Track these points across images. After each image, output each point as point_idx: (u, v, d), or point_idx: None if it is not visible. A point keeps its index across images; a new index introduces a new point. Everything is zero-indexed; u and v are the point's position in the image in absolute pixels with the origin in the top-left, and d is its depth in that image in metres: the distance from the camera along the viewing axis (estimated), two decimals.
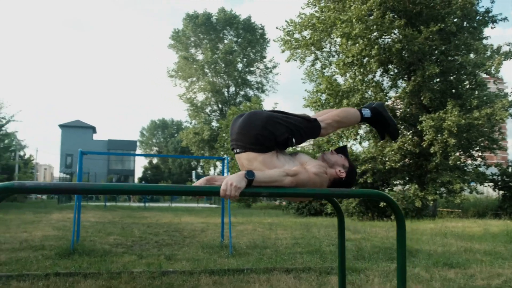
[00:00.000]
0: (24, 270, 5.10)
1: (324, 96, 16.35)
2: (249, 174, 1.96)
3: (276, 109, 2.57)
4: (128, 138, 58.32)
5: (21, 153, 36.39)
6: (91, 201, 34.49)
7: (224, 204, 8.55)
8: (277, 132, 2.30)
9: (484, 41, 14.99)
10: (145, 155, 43.44)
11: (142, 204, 29.37)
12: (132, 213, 18.52)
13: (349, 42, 14.69)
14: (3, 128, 22.98)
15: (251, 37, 45.56)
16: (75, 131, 50.15)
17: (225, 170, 7.65)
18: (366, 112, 2.68)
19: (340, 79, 16.82)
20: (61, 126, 50.76)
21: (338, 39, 16.56)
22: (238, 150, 2.39)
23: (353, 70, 15.53)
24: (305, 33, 17.36)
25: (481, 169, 16.33)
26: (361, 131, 16.63)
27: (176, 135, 68.45)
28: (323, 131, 2.49)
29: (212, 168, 43.85)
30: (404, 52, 14.64)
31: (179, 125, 71.17)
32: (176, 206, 29.78)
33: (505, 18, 15.04)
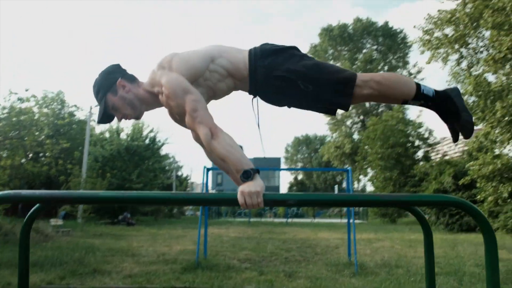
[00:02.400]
0: (146, 283, 5.33)
1: (472, 99, 14.60)
2: (246, 175, 1.71)
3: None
4: (273, 156, 60.09)
5: (179, 173, 39.91)
6: (239, 217, 36.13)
7: (353, 219, 8.01)
8: (280, 65, 1.99)
9: None
10: (288, 169, 44.39)
11: (284, 220, 29.75)
12: (273, 228, 18.78)
13: (501, 33, 12.92)
14: (159, 150, 25.47)
15: (391, 43, 43.67)
16: None
17: (349, 182, 7.16)
18: (428, 89, 2.04)
19: (491, 77, 14.90)
20: None
21: (487, 33, 14.73)
22: None
23: (508, 66, 13.58)
24: (447, 30, 15.82)
25: None
26: None
27: (319, 150, 68.57)
28: (356, 89, 1.98)
29: (356, 182, 42.69)
30: None
31: (323, 140, 71.21)
32: (318, 221, 29.50)
33: None
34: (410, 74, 43.76)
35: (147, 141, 24.48)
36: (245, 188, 1.67)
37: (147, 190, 23.90)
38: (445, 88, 2.10)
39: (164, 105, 2.05)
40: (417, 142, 28.28)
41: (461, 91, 15.03)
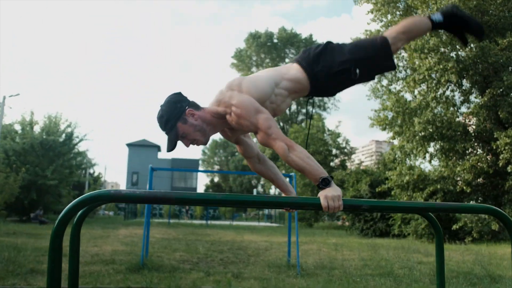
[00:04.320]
0: (97, 283, 5.19)
1: (391, 114, 15.80)
2: (325, 182, 1.88)
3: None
4: (190, 157, 59.66)
5: (91, 171, 38.21)
6: (154, 217, 35.39)
7: (291, 223, 8.36)
8: (334, 60, 2.25)
9: None
10: (210, 171, 44.24)
11: (204, 222, 29.70)
12: (194, 230, 18.71)
13: (421, 56, 14.15)
14: (76, 147, 24.21)
15: None
16: (141, 150, 52.05)
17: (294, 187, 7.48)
18: (437, 17, 2.43)
19: (407, 96, 16.23)
20: (128, 145, 52.89)
21: (405, 54, 16.02)
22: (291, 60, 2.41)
23: (425, 86, 14.90)
24: None
25: None
26: (430, 149, 15.86)
27: (237, 153, 69.21)
28: (392, 47, 2.30)
29: (272, 186, 43.72)
30: (478, 65, 13.90)
31: None
32: (237, 224, 29.84)
33: None
34: None
35: (63, 136, 23.18)
36: (327, 193, 1.82)
37: (62, 187, 22.68)
38: (444, 7, 2.50)
39: (232, 124, 2.15)
40: (334, 151, 29.77)
41: (380, 106, 16.17)
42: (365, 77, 2.37)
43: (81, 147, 25.13)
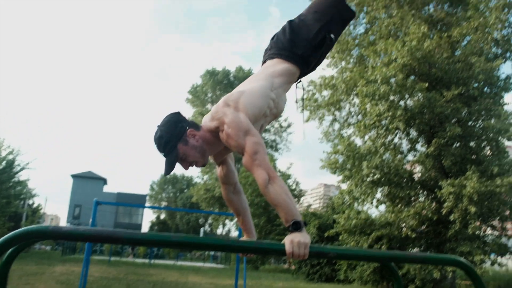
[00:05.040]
0: None
1: (341, 158, 16.04)
2: (296, 226, 1.78)
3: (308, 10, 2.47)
4: (138, 192, 57.94)
5: (30, 201, 36.15)
6: (95, 254, 33.66)
7: (239, 265, 8.04)
8: (309, 35, 2.28)
9: (506, 107, 14.80)
10: (158, 208, 43.06)
11: (147, 260, 28.51)
12: (136, 269, 17.86)
13: (372, 102, 14.60)
14: (16, 176, 22.93)
15: None
16: (87, 182, 50.06)
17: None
18: None
19: (358, 141, 16.62)
20: (74, 176, 50.77)
21: (357, 100, 16.48)
22: (266, 57, 2.40)
23: (374, 132, 15.32)
24: (325, 93, 17.40)
25: (503, 240, 15.57)
26: (378, 195, 16.14)
27: (186, 190, 68.08)
28: None
29: (220, 226, 43.02)
30: (425, 115, 14.49)
31: (190, 181, 70.97)
32: (181, 264, 28.86)
33: None
34: (281, 126, 46.59)
35: (3, 163, 21.88)
36: (294, 238, 1.71)
37: None
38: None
39: (223, 142, 2.06)
40: None
41: (332, 150, 16.37)
42: (337, 36, 2.42)
43: (21, 176, 23.77)
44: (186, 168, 2.12)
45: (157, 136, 2.05)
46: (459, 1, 15.78)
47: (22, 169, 22.79)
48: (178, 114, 2.11)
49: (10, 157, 22.20)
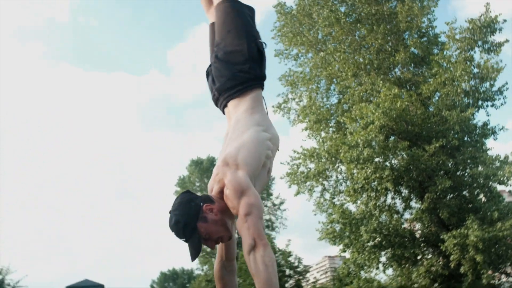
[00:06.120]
0: None
1: (338, 226, 15.81)
2: None
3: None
4: None
5: None
6: None
7: None
8: (244, 54, 2.24)
9: (489, 152, 15.00)
10: None
11: None
12: None
13: (358, 167, 14.70)
14: None
15: None
16: None
17: None
18: None
19: (351, 207, 16.50)
20: (69, 287, 48.65)
21: (343, 167, 16.57)
22: (224, 104, 2.33)
23: (365, 196, 15.29)
24: (310, 165, 17.50)
25: None
26: (382, 258, 15.73)
27: (187, 285, 65.59)
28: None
29: None
30: (412, 172, 14.59)
31: (190, 274, 68.60)
32: None
33: (503, 128, 15.27)
34: (274, 204, 46.18)
35: None
36: None
37: None
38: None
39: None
40: (287, 271, 28.85)
41: (328, 220, 16.18)
42: (259, 35, 2.42)
43: None
44: (213, 247, 2.00)
45: (172, 222, 1.92)
46: (422, 61, 16.57)
47: None
48: (188, 193, 2.02)
49: None
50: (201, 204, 1.96)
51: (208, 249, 43.66)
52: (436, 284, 15.66)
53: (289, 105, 18.93)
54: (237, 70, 2.25)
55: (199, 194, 2.06)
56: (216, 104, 2.44)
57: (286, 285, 28.28)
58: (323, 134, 17.65)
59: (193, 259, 1.94)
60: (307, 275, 31.03)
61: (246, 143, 2.08)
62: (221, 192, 1.98)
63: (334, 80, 17.62)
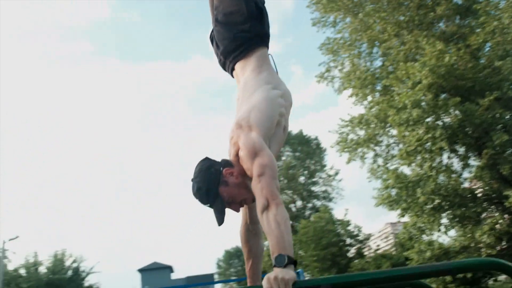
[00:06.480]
0: None
1: (394, 191, 15.51)
2: (279, 260, 1.56)
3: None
4: (205, 272, 57.51)
5: None
6: None
7: None
8: (243, 14, 2.22)
9: None
10: (227, 281, 42.51)
11: None
12: None
13: (408, 129, 14.28)
14: (84, 281, 23.60)
15: (307, 149, 46.12)
16: (153, 274, 50.29)
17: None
18: None
19: (406, 170, 16.11)
20: (140, 270, 51.21)
21: (394, 131, 16.16)
22: (231, 67, 2.32)
23: (420, 157, 14.85)
24: (360, 132, 17.19)
25: None
26: (444, 220, 15.30)
27: None
28: None
29: None
30: (467, 128, 13.99)
31: None
32: None
33: None
34: (329, 175, 45.90)
35: (70, 273, 22.69)
36: (272, 274, 1.51)
37: None
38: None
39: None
40: (348, 240, 28.80)
41: (383, 186, 15.88)
42: None
43: (89, 280, 24.50)
44: (237, 210, 2.01)
45: (195, 189, 1.95)
46: (467, 11, 15.64)
47: (87, 274, 23.55)
48: (207, 159, 2.02)
49: (75, 265, 23.06)
50: (221, 169, 1.97)
51: None
52: (503, 243, 15.10)
53: (332, 74, 18.54)
54: (238, 30, 2.24)
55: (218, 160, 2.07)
56: (224, 69, 2.43)
57: (348, 254, 28.29)
58: (369, 98, 17.21)
59: (219, 223, 1.96)
60: (369, 243, 30.86)
61: (257, 104, 2.07)
62: (237, 155, 1.98)
63: (376, 42, 17.02)
